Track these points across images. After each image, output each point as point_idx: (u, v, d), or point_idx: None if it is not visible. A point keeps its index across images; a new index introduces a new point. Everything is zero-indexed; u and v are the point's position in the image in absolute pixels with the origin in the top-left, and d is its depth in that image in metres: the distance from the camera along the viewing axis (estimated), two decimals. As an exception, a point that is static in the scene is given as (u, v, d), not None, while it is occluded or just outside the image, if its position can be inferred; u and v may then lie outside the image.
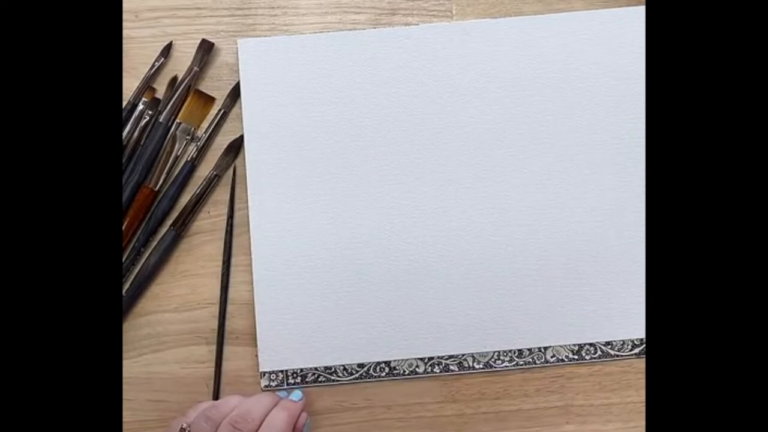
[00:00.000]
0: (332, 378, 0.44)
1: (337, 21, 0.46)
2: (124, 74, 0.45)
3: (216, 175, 0.45)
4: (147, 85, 0.45)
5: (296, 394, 0.42)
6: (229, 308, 0.44)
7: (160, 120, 0.45)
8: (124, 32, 0.45)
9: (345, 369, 0.44)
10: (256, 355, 0.44)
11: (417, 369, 0.44)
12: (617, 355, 0.44)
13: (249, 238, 0.44)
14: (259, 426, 0.39)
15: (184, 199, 0.45)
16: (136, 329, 0.44)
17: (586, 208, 0.44)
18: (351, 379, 0.44)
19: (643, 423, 0.44)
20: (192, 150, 0.45)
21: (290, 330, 0.43)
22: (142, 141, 0.45)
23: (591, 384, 0.44)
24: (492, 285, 0.44)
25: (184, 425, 0.39)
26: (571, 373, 0.44)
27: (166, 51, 0.45)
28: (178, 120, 0.45)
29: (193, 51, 0.45)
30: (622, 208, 0.44)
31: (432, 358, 0.44)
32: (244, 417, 0.38)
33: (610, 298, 0.44)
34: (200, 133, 0.45)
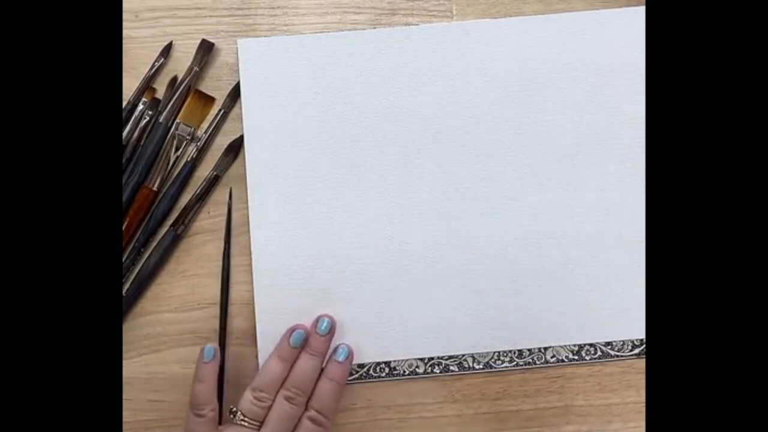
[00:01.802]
0: (332, 378, 0.44)
1: (337, 21, 0.46)
2: (124, 74, 0.45)
3: (216, 175, 0.45)
4: (147, 85, 0.45)
5: (342, 351, 0.42)
6: (229, 308, 0.44)
7: (160, 120, 0.45)
8: (124, 32, 0.45)
9: (345, 369, 0.44)
10: (256, 356, 0.44)
11: (417, 369, 0.44)
12: (617, 356, 0.44)
13: (249, 238, 0.44)
14: (311, 395, 0.40)
15: (184, 199, 0.45)
16: (136, 329, 0.44)
17: (586, 208, 0.44)
18: (351, 379, 0.44)
19: (643, 423, 0.44)
20: (192, 150, 0.45)
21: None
22: (142, 141, 0.45)
23: (591, 384, 0.44)
24: (492, 285, 0.44)
25: (233, 408, 0.39)
26: (571, 374, 0.44)
27: (166, 51, 0.45)
28: (178, 120, 0.45)
29: (193, 51, 0.45)
30: (622, 207, 0.44)
31: (432, 358, 0.44)
32: (298, 389, 0.40)
33: (610, 298, 0.44)
34: (200, 133, 0.45)
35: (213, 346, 0.41)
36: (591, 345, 0.44)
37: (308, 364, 0.41)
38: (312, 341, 0.42)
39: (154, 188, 0.44)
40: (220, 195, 0.45)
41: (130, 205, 0.44)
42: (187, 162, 0.45)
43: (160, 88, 0.46)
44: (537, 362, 0.44)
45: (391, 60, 0.45)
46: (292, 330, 0.42)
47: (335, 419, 0.43)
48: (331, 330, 0.42)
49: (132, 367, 0.44)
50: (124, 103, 0.45)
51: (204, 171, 0.45)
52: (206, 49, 0.45)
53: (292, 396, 0.40)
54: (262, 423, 0.39)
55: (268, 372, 0.40)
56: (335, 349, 0.42)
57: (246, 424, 0.39)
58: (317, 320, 0.42)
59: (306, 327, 0.42)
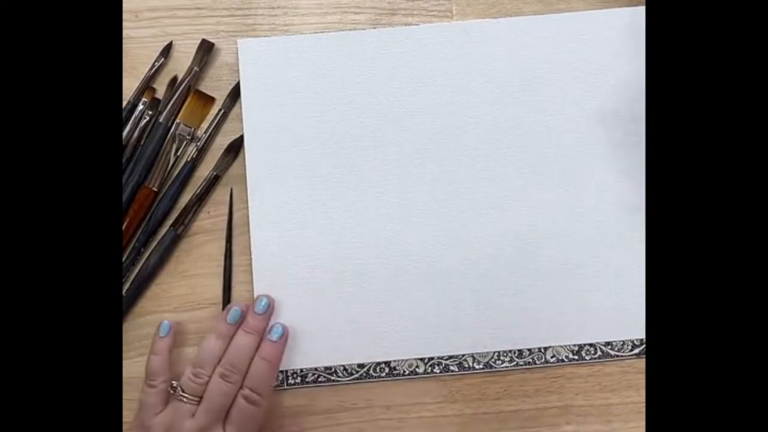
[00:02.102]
0: (332, 378, 0.44)
1: (337, 21, 0.46)
2: (124, 74, 0.45)
3: (216, 175, 0.45)
4: (147, 85, 0.45)
5: (276, 331, 0.42)
6: (229, 308, 0.44)
7: (160, 120, 0.45)
8: (124, 32, 0.45)
9: (345, 369, 0.44)
10: (256, 355, 0.44)
11: (417, 369, 0.44)
12: (617, 355, 0.44)
13: (249, 238, 0.44)
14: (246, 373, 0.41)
15: (184, 199, 0.45)
16: (136, 329, 0.44)
17: (585, 208, 0.44)
18: (351, 379, 0.44)
19: (643, 423, 0.44)
20: (192, 150, 0.45)
21: (290, 330, 0.43)
22: (142, 141, 0.45)
23: (591, 384, 0.44)
24: (492, 285, 0.44)
25: (174, 383, 0.40)
26: (571, 374, 0.44)
27: (166, 51, 0.45)
28: (178, 120, 0.45)
29: (193, 51, 0.45)
30: (622, 207, 0.44)
31: (432, 358, 0.44)
32: (233, 367, 0.40)
33: (610, 298, 0.44)
34: (200, 133, 0.45)
35: (169, 322, 0.43)
36: (591, 345, 0.44)
37: (243, 341, 0.41)
38: (249, 319, 0.42)
39: (154, 188, 0.44)
40: (220, 195, 0.45)
41: (130, 205, 0.44)
42: (187, 162, 0.45)
43: (160, 88, 0.46)
44: (537, 362, 0.44)
45: (391, 60, 0.45)
46: (229, 308, 0.42)
47: (333, 419, 0.43)
48: (269, 309, 0.42)
49: (132, 367, 0.44)
50: (124, 103, 0.45)
51: (204, 171, 0.45)
52: (206, 49, 0.45)
53: (227, 373, 0.40)
54: (201, 398, 0.40)
55: (205, 349, 0.41)
56: (270, 329, 0.42)
57: (185, 399, 0.40)
58: (256, 299, 0.43)
59: (244, 305, 0.43)
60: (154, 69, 0.45)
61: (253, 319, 0.42)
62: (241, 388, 0.40)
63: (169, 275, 0.45)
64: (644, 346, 0.44)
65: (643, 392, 0.44)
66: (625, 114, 0.45)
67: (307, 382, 0.44)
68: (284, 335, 0.42)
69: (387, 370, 0.44)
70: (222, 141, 0.45)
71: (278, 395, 0.44)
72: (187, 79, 0.45)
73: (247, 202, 0.44)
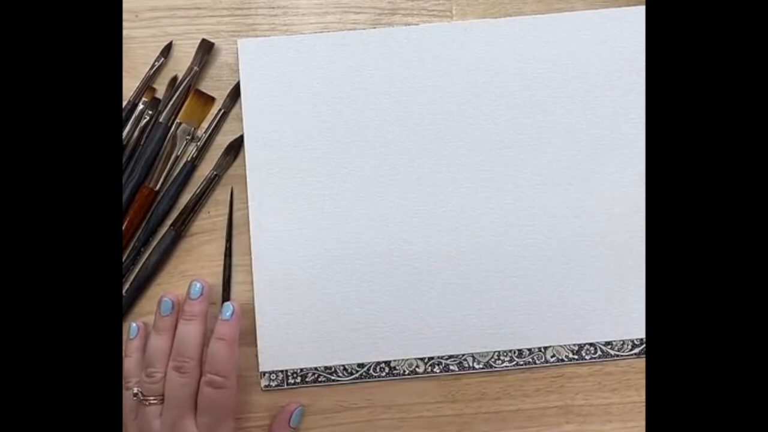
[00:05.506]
0: (332, 378, 0.44)
1: (337, 21, 0.46)
2: (124, 74, 0.45)
3: (216, 175, 0.45)
4: (147, 85, 0.45)
5: (227, 309, 0.41)
6: (229, 308, 0.44)
7: (160, 120, 0.45)
8: (124, 32, 0.45)
9: (345, 369, 0.44)
10: (256, 355, 0.44)
11: (417, 369, 0.44)
12: (617, 355, 0.44)
13: (249, 238, 0.44)
14: (201, 359, 0.40)
15: (184, 199, 0.45)
16: (136, 329, 0.44)
17: (586, 208, 0.45)
18: (351, 379, 0.44)
19: (643, 423, 0.44)
20: (192, 150, 0.45)
21: (290, 330, 0.43)
22: (142, 141, 0.45)
23: (591, 384, 0.44)
24: (492, 285, 0.44)
25: (135, 390, 0.40)
26: (571, 373, 0.44)
27: (166, 51, 0.45)
28: (178, 120, 0.45)
29: (193, 51, 0.45)
30: (623, 207, 0.44)
31: (432, 358, 0.44)
32: (183, 357, 0.39)
33: (610, 298, 0.44)
34: (200, 133, 0.45)
35: (137, 323, 0.43)
36: (591, 345, 0.44)
37: (186, 329, 0.40)
38: (185, 307, 0.41)
39: (155, 188, 0.44)
40: (220, 195, 0.45)
41: (130, 204, 0.44)
42: (187, 162, 0.45)
43: (160, 88, 0.46)
44: (537, 362, 0.44)
45: (391, 60, 0.45)
46: (160, 300, 0.42)
47: (333, 419, 0.43)
48: (203, 293, 0.42)
49: (132, 367, 0.44)
50: (124, 103, 0.45)
51: (204, 171, 0.45)
52: (206, 49, 0.45)
53: (179, 365, 0.39)
54: (164, 396, 0.39)
55: (150, 347, 0.41)
56: (221, 309, 0.42)
57: (148, 402, 0.39)
58: (189, 286, 0.42)
59: (175, 295, 0.42)
60: (154, 69, 0.45)
61: (189, 305, 0.41)
62: (203, 375, 0.39)
63: (169, 275, 0.45)
64: (644, 346, 0.44)
65: (643, 392, 0.44)
66: (625, 114, 0.45)
67: (307, 382, 0.44)
68: (236, 312, 0.41)
69: (387, 369, 0.44)
70: (222, 141, 0.45)
71: (278, 395, 0.44)
72: (187, 79, 0.45)
73: (247, 202, 0.44)
